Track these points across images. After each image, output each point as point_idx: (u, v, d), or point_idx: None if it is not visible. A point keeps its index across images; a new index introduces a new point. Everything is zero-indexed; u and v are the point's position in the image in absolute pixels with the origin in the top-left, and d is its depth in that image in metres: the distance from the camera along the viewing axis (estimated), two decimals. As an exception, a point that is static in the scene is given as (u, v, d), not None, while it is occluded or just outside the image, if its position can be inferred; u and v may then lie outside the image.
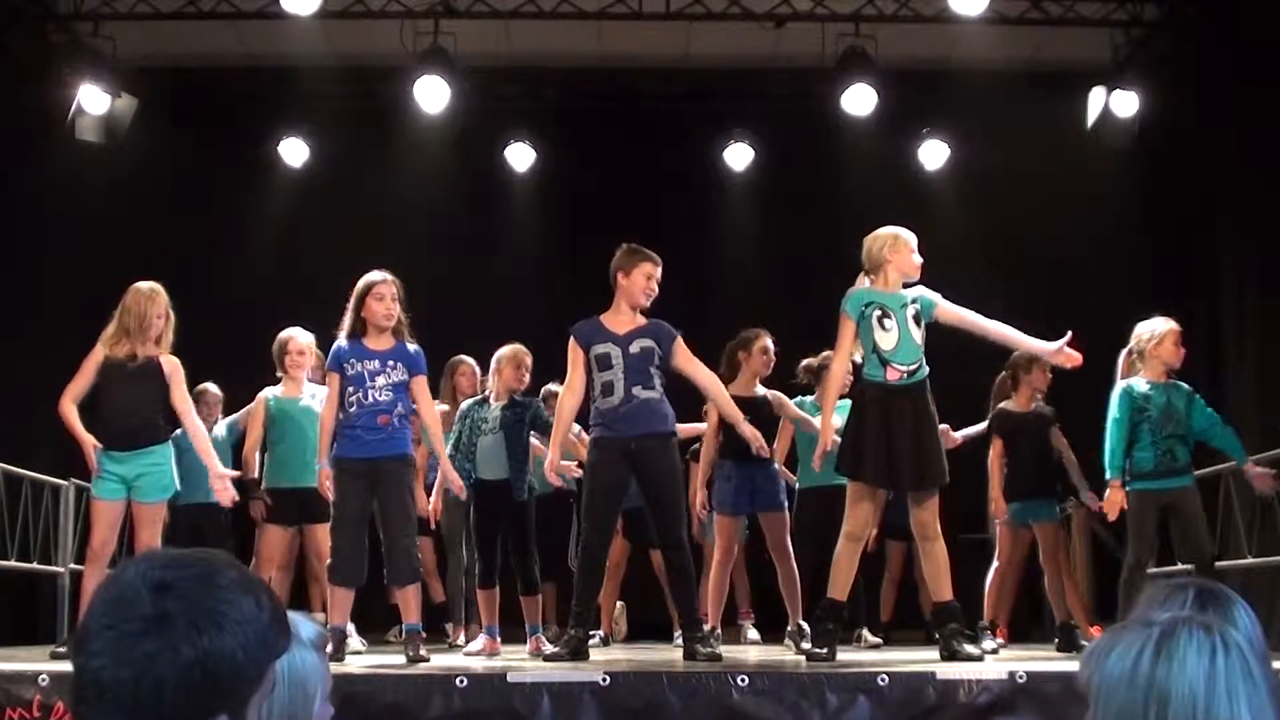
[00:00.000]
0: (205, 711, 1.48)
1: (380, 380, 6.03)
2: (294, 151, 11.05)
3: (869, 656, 6.86)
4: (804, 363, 8.02)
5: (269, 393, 7.70)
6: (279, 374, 7.68)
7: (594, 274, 10.61)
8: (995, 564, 7.76)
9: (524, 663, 5.97)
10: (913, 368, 5.82)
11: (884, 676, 4.79)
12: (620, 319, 6.25)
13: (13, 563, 8.37)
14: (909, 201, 11.03)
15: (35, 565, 8.64)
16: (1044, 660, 6.16)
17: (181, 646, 1.46)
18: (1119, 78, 10.01)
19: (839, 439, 5.97)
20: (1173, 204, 10.33)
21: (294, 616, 2.19)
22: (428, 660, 5.81)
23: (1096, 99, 10.06)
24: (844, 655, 6.93)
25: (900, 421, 5.76)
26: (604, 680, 4.77)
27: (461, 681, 4.77)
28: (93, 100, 9.73)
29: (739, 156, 11.24)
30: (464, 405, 7.26)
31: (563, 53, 10.74)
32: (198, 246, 10.92)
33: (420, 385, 6.14)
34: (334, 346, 6.19)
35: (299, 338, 7.62)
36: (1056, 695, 4.70)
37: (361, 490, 5.97)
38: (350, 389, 6.04)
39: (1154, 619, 1.66)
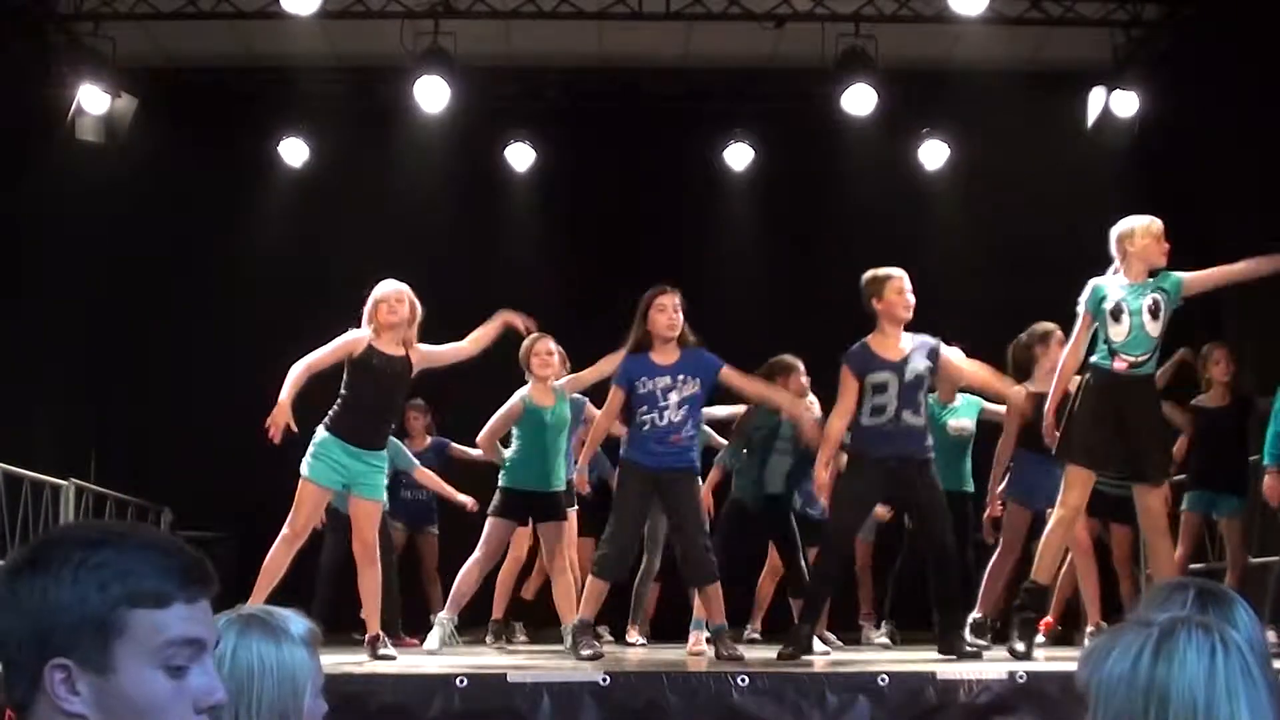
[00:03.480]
0: (41, 657, 1.44)
1: (673, 397, 6.20)
2: (294, 151, 11.04)
3: (869, 656, 6.87)
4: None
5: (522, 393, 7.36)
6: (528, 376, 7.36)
7: (594, 274, 10.69)
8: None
9: (525, 663, 5.97)
10: (1142, 356, 5.89)
11: (884, 676, 4.79)
12: (889, 343, 6.32)
13: (13, 563, 8.36)
14: (909, 201, 11.06)
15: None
16: (1044, 660, 6.16)
17: (4, 592, 1.45)
18: (1119, 78, 10.00)
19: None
20: (1173, 204, 10.31)
21: (284, 613, 2.20)
22: (740, 658, 5.91)
23: (1096, 99, 10.06)
24: (845, 655, 6.95)
25: (1120, 410, 5.84)
26: (604, 680, 4.77)
27: (461, 682, 4.77)
28: (93, 100, 9.72)
29: (739, 156, 11.23)
30: (752, 414, 7.35)
31: (563, 53, 10.74)
32: (198, 246, 10.92)
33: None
34: (623, 361, 6.33)
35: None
36: (1056, 695, 4.70)
37: (648, 495, 6.29)
38: (644, 408, 6.22)
39: (1153, 619, 1.65)
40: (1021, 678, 4.82)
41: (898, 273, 6.43)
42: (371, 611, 6.20)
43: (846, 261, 10.73)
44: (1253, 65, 8.84)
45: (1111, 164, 10.43)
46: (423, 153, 10.83)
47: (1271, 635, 6.18)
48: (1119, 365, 5.88)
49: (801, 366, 7.43)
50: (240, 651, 2.09)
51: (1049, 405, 6.13)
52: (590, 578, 6.33)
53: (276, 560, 6.09)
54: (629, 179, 11.05)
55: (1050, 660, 6.18)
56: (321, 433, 6.19)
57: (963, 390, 7.61)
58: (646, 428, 6.20)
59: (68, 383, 10.29)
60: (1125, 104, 9.92)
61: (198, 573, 1.50)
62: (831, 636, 7.90)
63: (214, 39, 10.31)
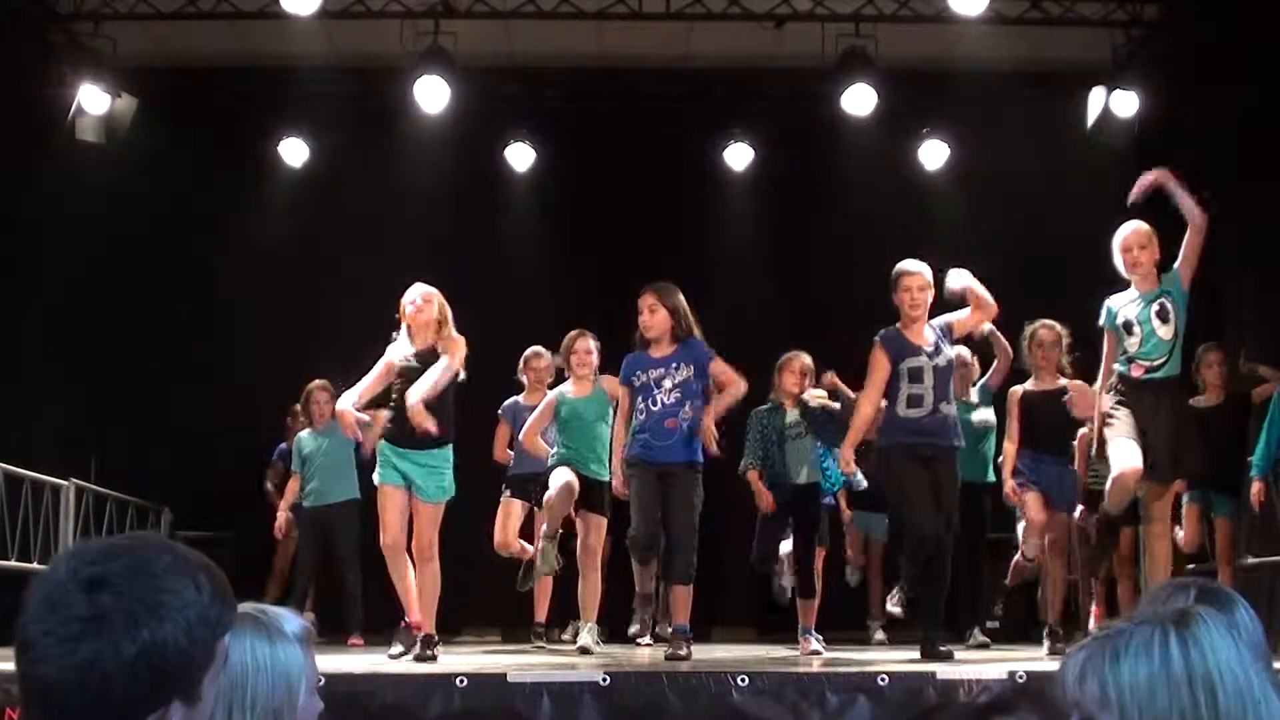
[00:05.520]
0: (157, 700, 1.46)
1: (666, 384, 6.35)
2: (294, 151, 11.03)
3: (869, 656, 6.87)
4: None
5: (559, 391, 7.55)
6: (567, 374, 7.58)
7: (594, 274, 10.70)
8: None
9: (526, 662, 5.97)
10: (1157, 360, 6.08)
11: (884, 676, 4.79)
12: (915, 332, 6.46)
13: (13, 563, 8.37)
14: (909, 201, 11.06)
15: (35, 565, 8.63)
16: (1044, 660, 6.17)
17: (122, 644, 1.43)
18: (1119, 78, 10.00)
19: None
20: (1172, 204, 10.31)
21: (277, 610, 2.20)
22: (685, 657, 5.96)
23: (1096, 99, 10.05)
24: (844, 655, 6.95)
25: (1139, 412, 6.03)
26: (604, 680, 4.77)
27: (461, 681, 4.77)
28: (93, 100, 9.71)
29: (739, 156, 11.22)
30: (756, 413, 7.44)
31: (563, 53, 10.73)
32: (198, 246, 10.92)
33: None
34: (624, 362, 6.59)
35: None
36: (1056, 695, 4.69)
37: (656, 486, 6.34)
38: (639, 399, 6.42)
39: (1155, 615, 1.62)
40: (1021, 678, 4.82)
41: (913, 270, 6.52)
42: (425, 607, 6.25)
43: (846, 261, 10.83)
44: (1253, 65, 8.83)
45: (1111, 164, 10.42)
46: (423, 153, 10.82)
47: None
48: (1136, 372, 6.12)
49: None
50: (233, 649, 2.08)
51: (1095, 425, 6.29)
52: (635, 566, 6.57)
53: (398, 574, 6.24)
54: (629, 179, 11.05)
55: (1050, 659, 6.19)
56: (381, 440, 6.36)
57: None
58: (642, 416, 6.39)
59: (68, 383, 10.28)
60: (1125, 104, 9.91)
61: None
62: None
63: (214, 39, 10.30)
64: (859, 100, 10.00)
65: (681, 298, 6.51)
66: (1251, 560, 7.98)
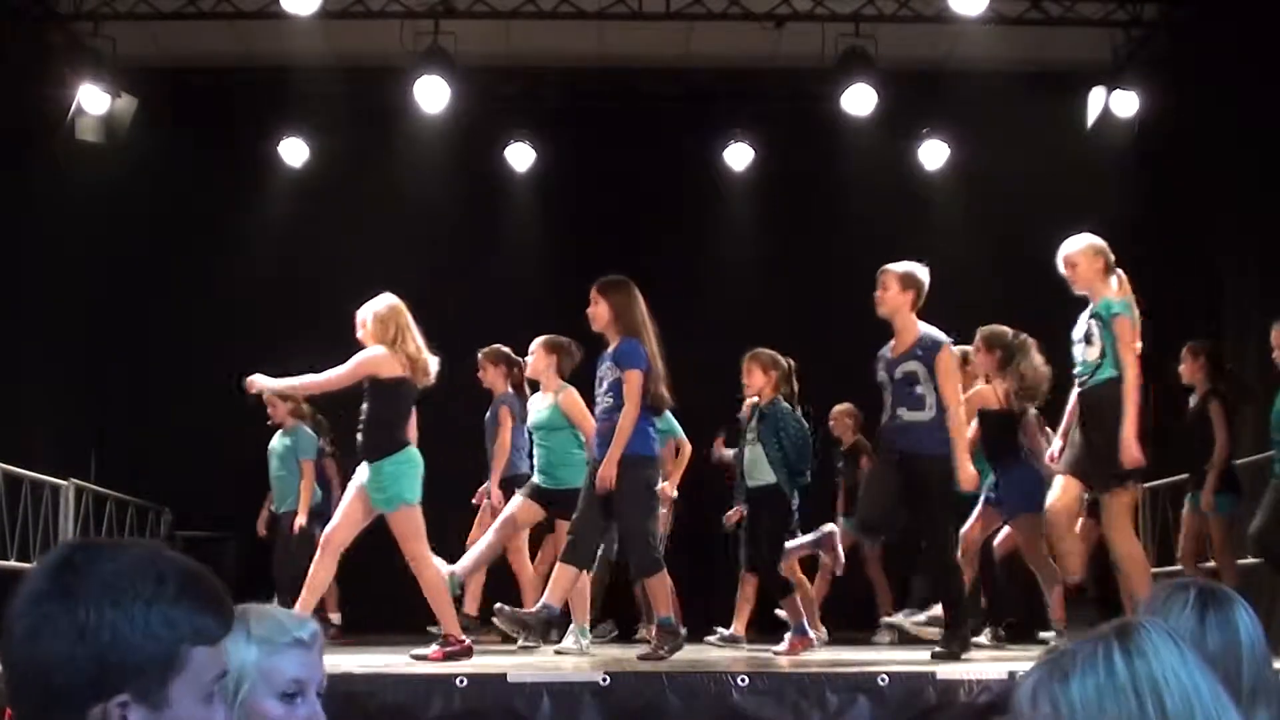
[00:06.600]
0: (99, 690, 1.44)
1: (604, 384, 6.26)
2: (294, 151, 11.04)
3: (869, 656, 6.86)
4: None
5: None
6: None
7: (593, 274, 10.69)
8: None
9: (526, 662, 5.97)
10: (1082, 377, 6.08)
11: (884, 676, 4.79)
12: (897, 338, 6.40)
13: (13, 563, 8.37)
14: (909, 201, 11.06)
15: (35, 565, 8.62)
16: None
17: (60, 620, 1.43)
18: (1119, 78, 10.00)
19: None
20: (1172, 204, 10.33)
21: (276, 611, 2.17)
22: (662, 657, 5.89)
23: (1096, 99, 10.06)
24: (845, 655, 6.95)
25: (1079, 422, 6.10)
26: (604, 680, 4.78)
27: (461, 682, 4.77)
28: (93, 100, 9.72)
29: (739, 156, 11.24)
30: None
31: (563, 53, 10.74)
32: (198, 246, 10.93)
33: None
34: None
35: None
36: None
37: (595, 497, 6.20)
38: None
39: (1098, 631, 1.65)
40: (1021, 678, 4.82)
41: (884, 268, 6.45)
42: (439, 613, 6.09)
43: (846, 261, 10.80)
44: (1253, 65, 8.83)
45: (1111, 164, 10.43)
46: (423, 153, 10.83)
47: None
48: (1077, 386, 6.16)
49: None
50: None
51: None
52: (558, 564, 6.26)
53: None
54: (629, 179, 11.05)
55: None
56: None
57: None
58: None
59: (68, 383, 10.29)
60: (1125, 104, 9.91)
61: (230, 607, 1.56)
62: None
63: (214, 39, 10.31)
64: (859, 100, 10.01)
65: (631, 295, 6.33)
66: (1252, 560, 7.98)
